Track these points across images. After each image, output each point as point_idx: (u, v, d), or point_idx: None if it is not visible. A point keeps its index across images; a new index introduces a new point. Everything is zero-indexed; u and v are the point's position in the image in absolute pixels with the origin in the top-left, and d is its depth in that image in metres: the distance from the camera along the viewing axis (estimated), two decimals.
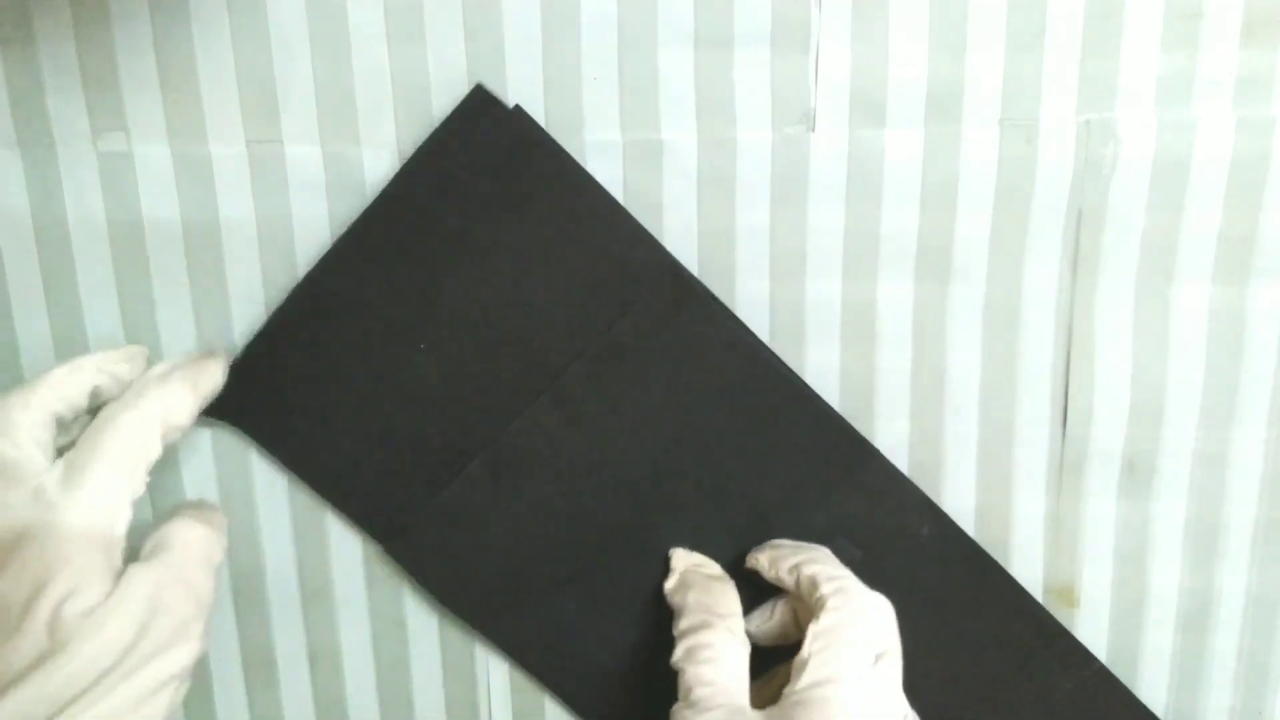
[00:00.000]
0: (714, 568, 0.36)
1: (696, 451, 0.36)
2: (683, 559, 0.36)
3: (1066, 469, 0.37)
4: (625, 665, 0.38)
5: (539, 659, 0.38)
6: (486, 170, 0.34)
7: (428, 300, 0.35)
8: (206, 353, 0.34)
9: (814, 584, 0.33)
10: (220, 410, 0.35)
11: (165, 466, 0.37)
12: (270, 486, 0.38)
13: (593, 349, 0.35)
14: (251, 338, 0.36)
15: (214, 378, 0.34)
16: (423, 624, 0.39)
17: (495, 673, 0.39)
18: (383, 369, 0.36)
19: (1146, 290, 0.36)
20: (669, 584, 0.36)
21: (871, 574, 0.34)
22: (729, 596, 0.34)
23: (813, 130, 0.35)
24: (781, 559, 0.35)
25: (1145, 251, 0.35)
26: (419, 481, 0.37)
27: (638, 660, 0.37)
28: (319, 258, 0.35)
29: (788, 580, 0.34)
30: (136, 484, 0.30)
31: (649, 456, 0.36)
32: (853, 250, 0.36)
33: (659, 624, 0.37)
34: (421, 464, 0.36)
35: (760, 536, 0.37)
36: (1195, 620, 0.38)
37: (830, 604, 0.32)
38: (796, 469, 0.36)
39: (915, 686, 0.34)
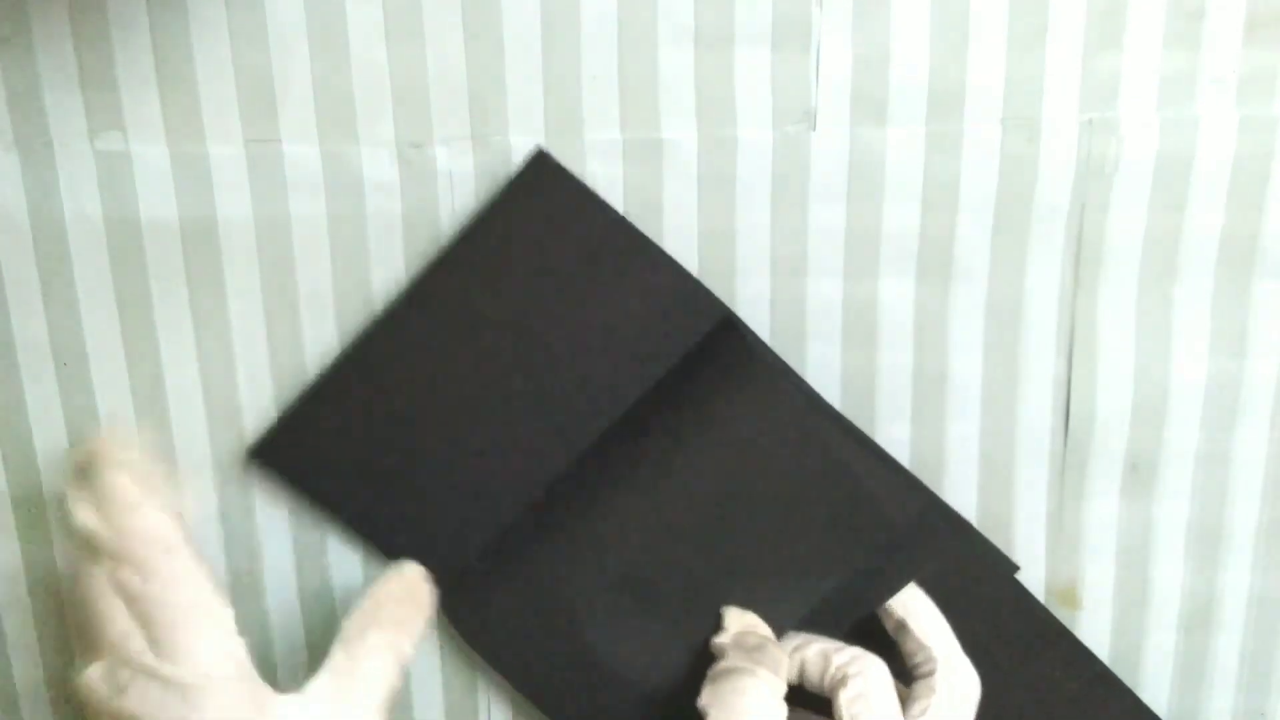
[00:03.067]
0: (766, 630, 0.35)
1: (747, 511, 0.35)
2: (737, 619, 0.35)
3: (1068, 470, 0.37)
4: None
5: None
6: (545, 236, 0.34)
7: (481, 358, 0.35)
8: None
9: (825, 659, 0.34)
10: (267, 457, 0.36)
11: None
12: (268, 487, 0.38)
13: (640, 402, 0.35)
14: (306, 389, 0.36)
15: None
16: None
17: (494, 672, 0.39)
18: (434, 427, 0.36)
19: (1149, 290, 0.36)
20: (720, 639, 0.34)
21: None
22: (779, 662, 0.33)
23: (813, 129, 0.34)
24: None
25: (1147, 251, 0.35)
26: (466, 541, 0.36)
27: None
28: (378, 316, 0.35)
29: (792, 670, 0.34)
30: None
31: (698, 513, 0.35)
32: (853, 250, 0.35)
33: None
34: (468, 524, 0.36)
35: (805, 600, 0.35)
36: (1198, 621, 0.38)
37: (851, 671, 0.33)
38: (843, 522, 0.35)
39: None
